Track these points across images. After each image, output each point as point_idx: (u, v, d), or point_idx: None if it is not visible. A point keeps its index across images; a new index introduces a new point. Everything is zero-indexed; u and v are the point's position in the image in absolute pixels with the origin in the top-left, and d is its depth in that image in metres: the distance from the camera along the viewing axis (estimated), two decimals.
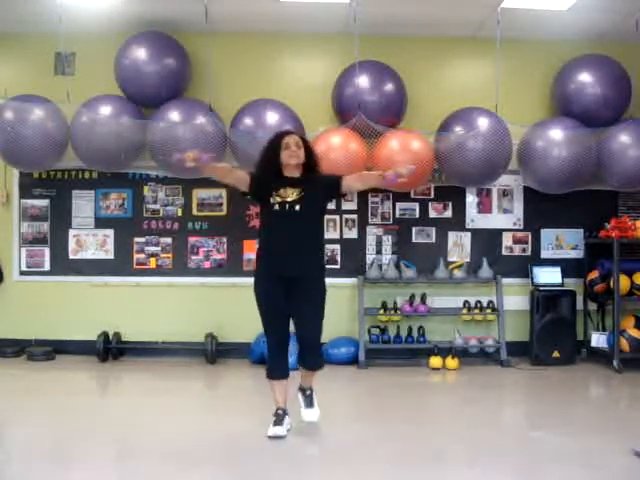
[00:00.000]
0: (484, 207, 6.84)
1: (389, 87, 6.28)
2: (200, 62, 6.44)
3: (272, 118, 6.11)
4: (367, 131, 6.09)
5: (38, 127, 6.01)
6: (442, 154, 6.22)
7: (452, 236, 6.81)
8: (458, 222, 6.80)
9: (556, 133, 6.19)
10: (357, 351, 6.39)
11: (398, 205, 6.78)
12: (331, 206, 6.46)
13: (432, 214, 6.79)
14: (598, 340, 6.47)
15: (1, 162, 6.45)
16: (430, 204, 6.79)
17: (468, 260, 6.76)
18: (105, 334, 6.44)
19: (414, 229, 6.79)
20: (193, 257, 6.74)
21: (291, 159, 4.04)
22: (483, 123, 6.12)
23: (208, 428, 4.35)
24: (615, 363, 6.10)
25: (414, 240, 6.79)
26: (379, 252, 6.77)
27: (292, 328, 4.15)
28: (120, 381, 6.00)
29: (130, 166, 6.43)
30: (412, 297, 6.56)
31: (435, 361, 6.28)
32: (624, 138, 6.18)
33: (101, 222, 6.72)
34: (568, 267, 6.71)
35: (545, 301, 6.48)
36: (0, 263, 6.69)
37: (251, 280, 4.16)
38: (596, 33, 6.45)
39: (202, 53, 6.34)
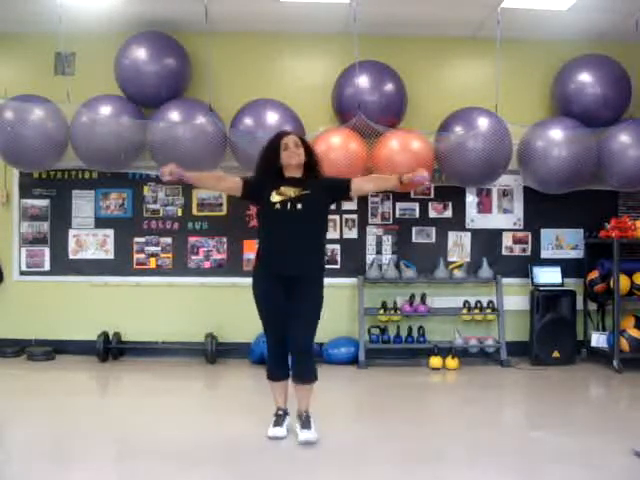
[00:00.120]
0: (484, 207, 6.84)
1: (389, 87, 6.28)
2: (200, 62, 6.44)
3: (272, 118, 6.11)
4: (367, 131, 6.09)
5: (38, 127, 6.01)
6: (442, 154, 6.22)
7: (452, 236, 6.81)
8: (458, 222, 6.80)
9: (556, 133, 6.19)
10: (357, 351, 6.39)
11: (398, 205, 6.78)
12: (331, 206, 6.44)
13: (432, 214, 6.79)
14: (598, 340, 6.47)
15: (1, 162, 6.45)
16: (430, 204, 6.79)
17: (468, 260, 6.76)
18: (105, 334, 6.44)
19: (414, 229, 6.79)
20: (193, 257, 6.74)
21: (291, 159, 4.02)
22: (483, 123, 6.12)
23: (208, 428, 4.36)
24: (615, 363, 6.11)
25: (414, 240, 6.79)
26: (379, 252, 6.77)
27: None
28: (120, 381, 6.00)
29: (130, 166, 6.43)
30: (412, 297, 6.56)
31: (435, 361, 6.28)
32: (624, 138, 6.18)
33: (101, 222, 6.72)
34: (568, 267, 6.71)
35: (545, 301, 6.48)
36: (0, 263, 6.69)
37: (251, 280, 4.15)
38: (596, 33, 6.45)
39: (202, 53, 6.34)
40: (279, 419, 4.13)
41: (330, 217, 6.57)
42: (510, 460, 3.85)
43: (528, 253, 6.82)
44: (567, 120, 6.29)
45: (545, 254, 6.82)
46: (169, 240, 6.73)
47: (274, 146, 4.08)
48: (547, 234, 6.84)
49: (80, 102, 6.05)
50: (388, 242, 6.78)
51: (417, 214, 6.78)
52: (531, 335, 6.52)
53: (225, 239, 6.74)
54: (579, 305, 6.61)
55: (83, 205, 6.71)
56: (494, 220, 6.83)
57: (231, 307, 6.52)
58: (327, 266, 4.26)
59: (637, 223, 6.31)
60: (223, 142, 6.14)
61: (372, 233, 6.79)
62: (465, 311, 6.61)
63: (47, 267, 6.71)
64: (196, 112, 6.09)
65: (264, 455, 3.87)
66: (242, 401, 5.13)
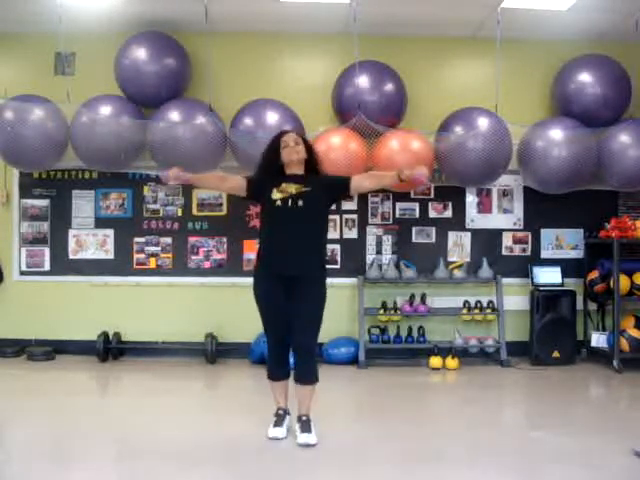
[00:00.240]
0: (484, 207, 6.84)
1: (389, 87, 6.28)
2: (200, 62, 6.44)
3: (272, 118, 6.11)
4: (367, 131, 6.09)
5: (38, 127, 6.01)
6: (442, 154, 6.22)
7: (452, 236, 6.81)
8: (458, 222, 6.80)
9: (556, 133, 6.19)
10: (357, 351, 6.39)
11: (398, 205, 6.78)
12: (332, 206, 6.44)
13: (432, 214, 6.79)
14: (598, 340, 6.47)
15: (1, 162, 6.45)
16: (430, 204, 6.79)
17: (468, 260, 6.76)
18: (105, 334, 6.44)
19: (414, 229, 6.79)
20: (193, 257, 6.74)
21: (291, 155, 4.03)
22: (483, 123, 6.12)
23: (208, 428, 4.36)
24: (615, 363, 6.11)
25: (414, 240, 6.79)
26: (379, 252, 6.77)
27: None
28: (120, 381, 6.00)
29: (130, 166, 6.43)
30: (412, 297, 6.56)
31: (435, 361, 6.28)
32: (624, 138, 6.18)
33: (101, 222, 6.72)
34: (568, 267, 6.71)
35: (545, 301, 6.48)
36: (0, 263, 6.69)
37: (251, 280, 4.14)
38: (596, 33, 6.45)
39: (202, 53, 6.34)
40: (279, 419, 4.13)
41: (330, 217, 6.50)
42: (510, 460, 3.85)
43: (528, 253, 6.82)
44: (567, 120, 6.29)
45: (545, 254, 6.82)
46: (169, 240, 6.73)
47: (274, 145, 4.09)
48: (547, 234, 6.84)
49: (80, 102, 6.05)
50: (388, 242, 6.78)
51: (417, 214, 6.79)
52: (531, 335, 6.52)
53: (225, 239, 6.74)
54: (579, 305, 6.61)
55: (83, 205, 6.71)
56: (494, 220, 6.83)
57: (231, 307, 6.52)
58: (327, 266, 4.23)
59: (637, 223, 6.31)
60: (223, 142, 6.13)
61: (372, 233, 6.79)
62: (465, 311, 6.61)
63: (47, 267, 6.71)
64: (196, 112, 6.09)
65: (264, 455, 3.87)
66: (242, 401, 5.13)
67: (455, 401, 5.37)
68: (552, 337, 6.39)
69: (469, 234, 6.81)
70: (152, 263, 6.73)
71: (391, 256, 6.74)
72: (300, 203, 3.96)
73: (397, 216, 6.78)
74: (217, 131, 6.09)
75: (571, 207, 6.67)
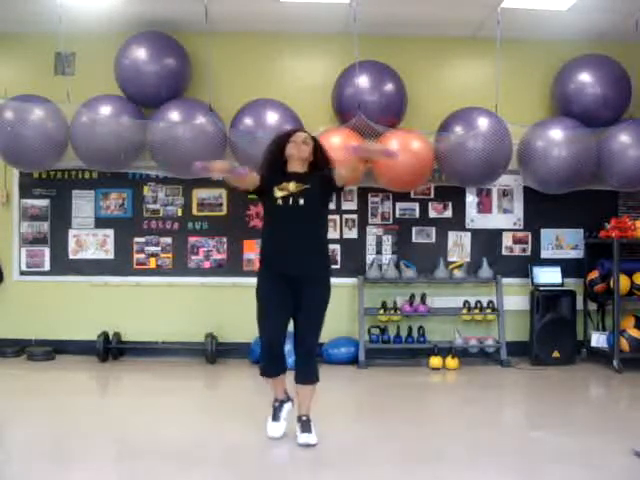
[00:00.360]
0: (484, 207, 6.84)
1: (389, 87, 6.28)
2: (200, 62, 6.44)
3: (272, 118, 6.11)
4: (367, 131, 6.09)
5: (38, 127, 6.01)
6: (442, 154, 6.22)
7: (452, 236, 6.81)
8: (458, 222, 6.80)
9: (556, 133, 6.19)
10: (357, 351, 6.39)
11: (398, 205, 6.78)
12: (331, 206, 6.45)
13: (432, 214, 6.79)
14: (598, 340, 6.47)
15: (1, 162, 6.45)
16: (430, 204, 6.79)
17: (468, 260, 6.76)
18: (105, 334, 6.44)
19: (414, 229, 6.79)
20: (193, 257, 6.74)
21: (293, 150, 4.01)
22: (483, 123, 6.12)
23: (208, 428, 4.36)
24: (615, 363, 6.11)
25: (414, 240, 6.79)
26: (379, 252, 6.77)
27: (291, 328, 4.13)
28: (120, 381, 6.00)
29: (130, 166, 6.43)
30: (412, 297, 6.56)
31: (435, 361, 6.28)
32: (624, 138, 6.18)
33: (101, 222, 6.72)
34: (568, 267, 6.71)
35: (545, 301, 6.48)
36: (0, 263, 6.69)
37: (251, 280, 4.14)
38: (596, 33, 6.45)
39: (202, 53, 6.34)
40: (276, 411, 4.11)
41: (330, 217, 6.58)
42: (510, 460, 3.85)
43: (528, 253, 6.82)
44: (567, 120, 6.29)
45: (545, 254, 6.82)
46: (169, 240, 6.73)
47: (283, 139, 4.09)
48: (547, 234, 6.84)
49: (80, 102, 6.05)
50: (388, 242, 6.78)
51: (417, 214, 6.79)
52: (531, 335, 6.52)
53: (225, 239, 6.74)
54: (579, 305, 6.61)
55: (83, 205, 6.71)
56: (494, 220, 6.83)
57: (231, 307, 6.53)
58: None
59: (637, 223, 6.32)
60: (223, 142, 6.14)
61: (372, 233, 6.79)
62: (465, 311, 6.61)
63: (47, 267, 6.71)
64: (196, 112, 6.09)
65: (264, 455, 3.87)
66: (242, 401, 5.12)
67: (455, 401, 5.37)
68: (552, 337, 6.39)
69: (469, 234, 6.81)
70: (152, 263, 6.73)
71: (391, 256, 6.74)
72: (301, 202, 3.94)
73: (397, 216, 6.78)
74: (217, 131, 6.10)
75: (571, 207, 6.67)
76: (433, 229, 6.79)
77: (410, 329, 6.59)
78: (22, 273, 6.71)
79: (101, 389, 5.90)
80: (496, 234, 6.82)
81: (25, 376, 5.92)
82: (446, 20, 6.30)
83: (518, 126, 6.26)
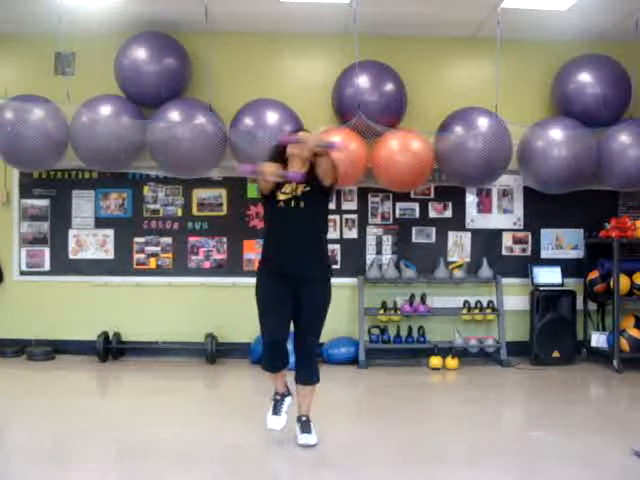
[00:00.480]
0: (484, 207, 6.84)
1: (389, 87, 6.28)
2: (200, 62, 6.45)
3: (272, 118, 6.11)
4: (367, 131, 6.09)
5: (38, 127, 6.01)
6: (442, 154, 6.22)
7: (452, 236, 6.81)
8: (458, 222, 6.80)
9: (556, 133, 6.19)
10: (357, 351, 6.39)
11: (398, 205, 6.78)
12: (331, 206, 6.45)
13: (432, 214, 6.79)
14: (598, 340, 6.48)
15: (1, 162, 6.45)
16: (430, 204, 6.79)
17: (468, 260, 6.76)
18: (105, 334, 6.44)
19: (414, 229, 6.79)
20: (193, 257, 6.74)
21: (293, 148, 3.99)
22: (483, 123, 6.12)
23: (208, 428, 4.36)
24: (615, 363, 6.11)
25: (414, 240, 6.79)
26: (379, 252, 6.77)
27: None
28: (120, 381, 6.00)
29: (130, 166, 6.43)
30: (412, 297, 6.56)
31: (435, 361, 6.28)
32: (624, 138, 6.18)
33: (101, 222, 6.72)
34: (568, 267, 6.72)
35: (545, 301, 6.48)
36: (0, 263, 6.69)
37: (251, 280, 4.12)
38: (596, 33, 6.45)
39: (202, 53, 6.35)
40: (277, 404, 4.07)
41: (330, 217, 6.56)
42: (510, 460, 3.85)
43: (528, 253, 6.82)
44: (567, 120, 6.29)
45: (545, 254, 6.83)
46: (169, 240, 6.73)
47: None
48: (547, 234, 6.84)
49: (80, 102, 6.05)
50: (388, 242, 6.78)
51: (417, 214, 6.79)
52: (531, 335, 6.52)
53: (225, 239, 6.73)
54: (579, 305, 6.61)
55: (83, 205, 6.71)
56: (494, 220, 6.83)
57: (231, 307, 6.53)
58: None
59: (637, 223, 6.32)
60: (223, 142, 6.14)
61: (372, 233, 6.79)
62: (465, 311, 6.61)
63: (47, 267, 6.71)
64: (196, 112, 6.09)
65: (264, 455, 3.88)
66: (242, 401, 5.13)
67: (455, 401, 5.37)
68: (552, 337, 6.39)
69: (469, 234, 6.81)
70: (152, 263, 6.73)
71: (391, 256, 6.74)
72: (302, 204, 3.95)
73: (397, 216, 6.78)
74: (217, 131, 6.10)
75: (571, 207, 6.68)
76: (433, 229, 6.79)
77: (410, 329, 6.59)
78: (22, 273, 6.71)
79: (101, 389, 5.90)
80: (496, 234, 6.82)
81: (25, 376, 5.92)
82: (446, 20, 6.30)
83: (518, 126, 6.26)
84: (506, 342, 6.47)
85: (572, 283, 6.69)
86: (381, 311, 6.54)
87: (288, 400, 4.14)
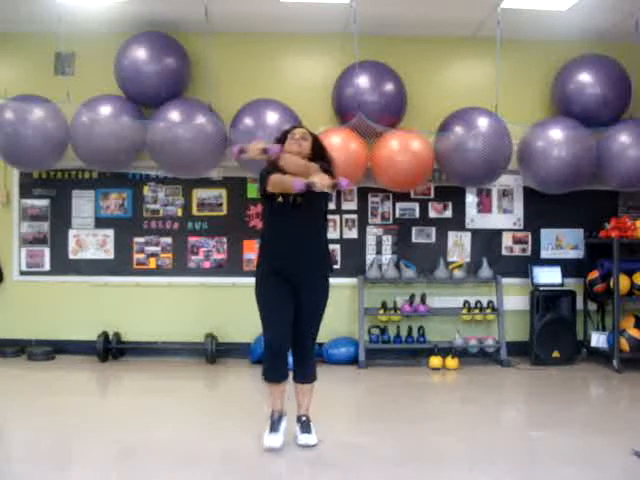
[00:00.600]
0: (484, 207, 6.84)
1: (389, 87, 6.28)
2: (200, 62, 6.45)
3: (272, 118, 6.11)
4: (367, 131, 6.09)
5: (38, 127, 6.01)
6: (442, 154, 6.22)
7: (452, 236, 6.81)
8: (458, 222, 6.80)
9: (556, 133, 6.19)
10: (357, 351, 6.39)
11: (398, 205, 6.78)
12: (331, 206, 6.46)
13: (432, 214, 6.79)
14: (598, 340, 6.47)
15: (1, 162, 6.45)
16: (430, 204, 6.79)
17: (468, 260, 6.76)
18: (105, 334, 6.44)
19: (414, 229, 6.79)
20: (193, 257, 6.74)
21: (292, 147, 3.98)
22: (483, 123, 6.12)
23: (208, 428, 4.36)
24: (615, 363, 6.11)
25: (414, 240, 6.79)
26: (379, 252, 6.77)
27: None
28: (120, 381, 6.00)
29: (130, 166, 6.43)
30: (412, 297, 6.56)
31: (435, 361, 6.28)
32: (624, 138, 6.18)
33: (101, 222, 6.72)
34: (568, 267, 6.72)
35: (545, 301, 6.48)
36: (0, 263, 6.69)
37: (251, 280, 4.10)
38: (596, 33, 6.45)
39: (202, 53, 6.35)
40: (275, 424, 3.99)
41: (330, 217, 6.59)
42: (510, 460, 3.85)
43: (528, 253, 6.82)
44: (567, 120, 6.29)
45: (545, 254, 6.83)
46: (169, 240, 6.73)
47: (281, 137, 4.08)
48: (547, 234, 6.84)
49: (80, 102, 6.05)
50: (388, 242, 6.78)
51: (417, 214, 6.79)
52: (531, 335, 6.52)
53: (225, 239, 6.73)
54: (579, 305, 6.61)
55: (83, 205, 6.71)
56: (494, 220, 6.83)
57: (231, 307, 6.53)
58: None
59: (637, 223, 6.31)
60: (223, 142, 6.14)
61: (372, 233, 6.79)
62: (465, 311, 6.61)
63: (47, 267, 6.71)
64: (196, 112, 6.09)
65: (264, 455, 3.87)
66: (242, 401, 5.13)
67: (455, 401, 5.37)
68: (552, 337, 6.39)
69: (469, 234, 6.82)
70: (152, 263, 6.73)
71: (391, 256, 6.74)
72: (299, 201, 3.92)
73: (397, 216, 6.78)
74: (217, 131, 6.10)
75: (571, 207, 6.68)
76: (433, 229, 6.79)
77: (410, 329, 6.59)
78: (22, 273, 6.71)
79: (101, 389, 5.89)
80: (496, 234, 6.83)
81: (25, 376, 5.92)
82: (446, 20, 6.30)
83: (518, 126, 6.26)
84: (506, 342, 6.47)
85: (572, 283, 6.69)
86: (381, 311, 6.54)
87: (285, 421, 4.06)
